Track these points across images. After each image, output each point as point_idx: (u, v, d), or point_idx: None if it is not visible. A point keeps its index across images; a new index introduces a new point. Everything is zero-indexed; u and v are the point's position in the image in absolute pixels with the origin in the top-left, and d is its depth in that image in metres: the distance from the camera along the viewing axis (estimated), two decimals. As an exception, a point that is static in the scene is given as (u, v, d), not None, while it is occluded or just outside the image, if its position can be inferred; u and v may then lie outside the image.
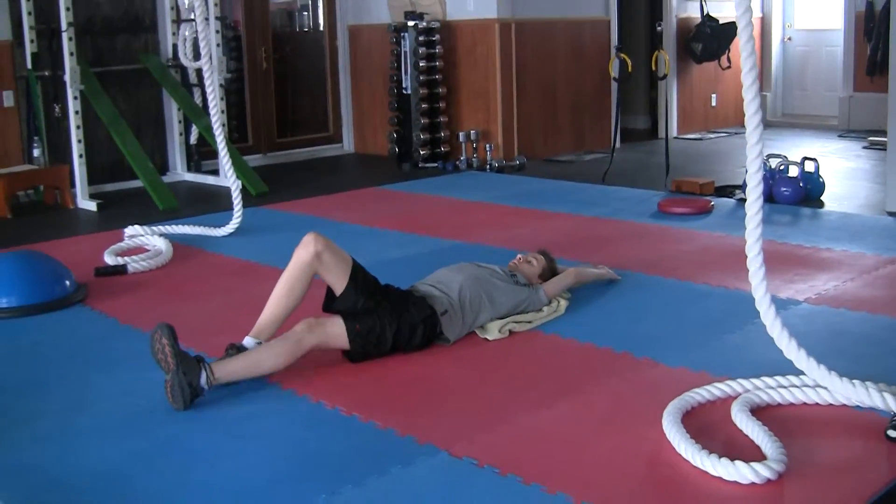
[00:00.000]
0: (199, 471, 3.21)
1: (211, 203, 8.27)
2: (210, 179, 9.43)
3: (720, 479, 2.98)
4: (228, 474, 3.17)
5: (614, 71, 9.35)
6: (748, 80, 3.36)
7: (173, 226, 6.85)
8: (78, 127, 8.20)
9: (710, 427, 3.36)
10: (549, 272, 4.96)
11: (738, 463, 2.97)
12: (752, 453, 3.11)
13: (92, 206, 8.16)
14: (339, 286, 4.19)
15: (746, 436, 3.27)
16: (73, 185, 8.31)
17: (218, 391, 3.81)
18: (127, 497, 3.04)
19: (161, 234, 6.55)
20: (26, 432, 3.56)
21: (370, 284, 4.25)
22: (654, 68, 9.15)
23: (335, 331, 4.05)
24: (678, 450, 3.15)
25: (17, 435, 3.54)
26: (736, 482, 2.95)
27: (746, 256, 3.49)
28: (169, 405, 3.69)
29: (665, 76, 9.29)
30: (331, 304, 4.25)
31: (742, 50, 3.38)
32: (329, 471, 3.16)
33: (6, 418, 3.71)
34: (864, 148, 10.42)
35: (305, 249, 4.13)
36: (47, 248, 6.07)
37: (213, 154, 9.38)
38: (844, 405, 3.50)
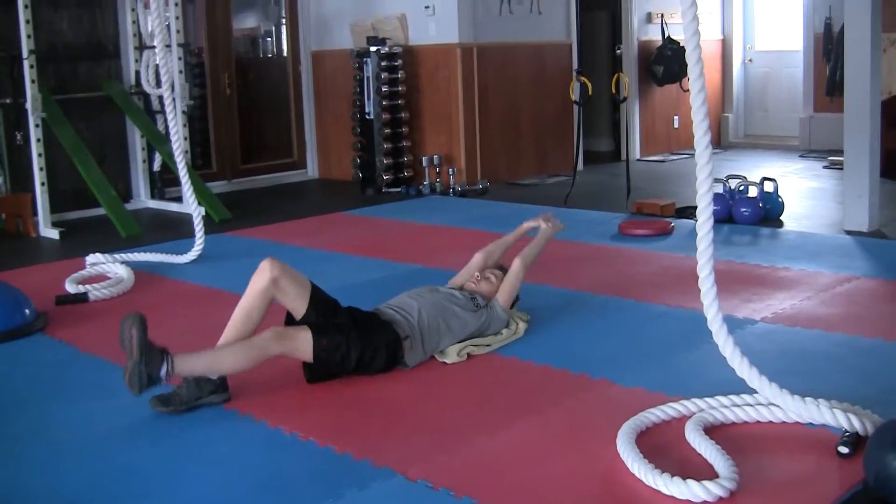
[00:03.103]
0: (158, 496, 3.21)
1: (174, 230, 8.26)
2: (174, 206, 9.41)
3: (673, 498, 3.01)
4: (187, 500, 3.17)
5: (574, 94, 9.41)
6: (697, 101, 3.40)
7: (135, 253, 6.83)
8: (40, 155, 8.18)
9: (664, 446, 3.39)
10: None
11: (690, 481, 3.00)
12: (705, 472, 3.14)
13: (54, 234, 8.12)
14: (298, 310, 4.20)
15: (700, 455, 3.30)
16: (35, 213, 8.29)
17: (177, 417, 3.83)
18: (82, 524, 3.04)
19: (123, 262, 6.53)
20: (-20, 460, 3.56)
21: (330, 307, 4.27)
22: (614, 91, 9.23)
23: (302, 343, 4.06)
24: (631, 469, 3.18)
25: (-28, 463, 3.53)
26: (688, 501, 2.98)
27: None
28: (133, 433, 3.72)
29: (625, 99, 9.37)
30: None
31: (690, 72, 3.42)
32: (285, 496, 3.17)
33: (-39, 447, 3.70)
34: (825, 168, 10.54)
35: (261, 275, 4.15)
36: (8, 277, 6.02)
37: (177, 181, 9.38)
38: (797, 422, 3.54)
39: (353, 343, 4.14)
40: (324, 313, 4.21)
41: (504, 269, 4.94)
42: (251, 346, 3.98)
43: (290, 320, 4.27)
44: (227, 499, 3.17)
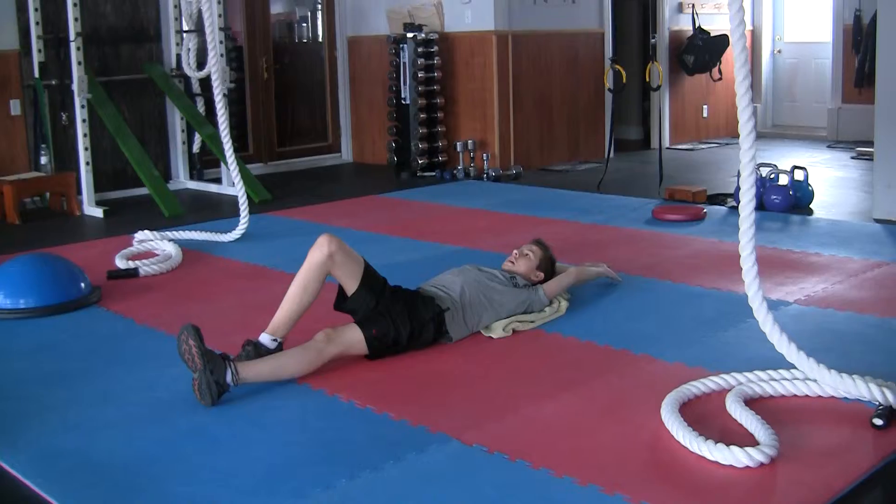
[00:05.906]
0: (223, 457, 3.39)
1: (214, 210, 8.45)
2: (212, 187, 9.61)
3: (716, 463, 3.17)
4: (252, 460, 3.35)
5: (609, 82, 9.55)
6: (741, 88, 3.55)
7: (181, 231, 7.02)
8: (85, 135, 8.37)
9: (706, 417, 3.55)
10: (547, 261, 5.11)
11: (734, 447, 3.16)
12: (746, 440, 3.30)
13: (98, 212, 8.31)
14: (351, 286, 4.37)
15: (740, 425, 3.46)
16: (79, 192, 8.48)
17: (238, 387, 4.01)
18: (157, 478, 3.22)
19: (170, 240, 6.72)
20: (57, 421, 3.75)
21: (380, 286, 4.44)
22: (647, 79, 9.36)
23: (353, 338, 4.24)
24: (676, 437, 3.34)
25: (49, 422, 3.73)
26: (731, 466, 3.15)
27: (739, 258, 3.66)
28: (195, 400, 3.85)
29: (658, 87, 9.50)
30: (342, 303, 4.43)
31: (735, 60, 3.57)
32: (348, 457, 3.34)
33: (36, 406, 3.90)
34: (853, 158, 10.64)
35: (319, 250, 4.32)
36: (58, 253, 6.18)
37: (215, 163, 9.61)
38: (833, 397, 3.70)
39: (402, 323, 4.32)
40: (372, 290, 4.39)
41: (541, 245, 5.15)
42: (308, 348, 4.13)
43: (340, 296, 4.44)
44: (292, 459, 3.35)
